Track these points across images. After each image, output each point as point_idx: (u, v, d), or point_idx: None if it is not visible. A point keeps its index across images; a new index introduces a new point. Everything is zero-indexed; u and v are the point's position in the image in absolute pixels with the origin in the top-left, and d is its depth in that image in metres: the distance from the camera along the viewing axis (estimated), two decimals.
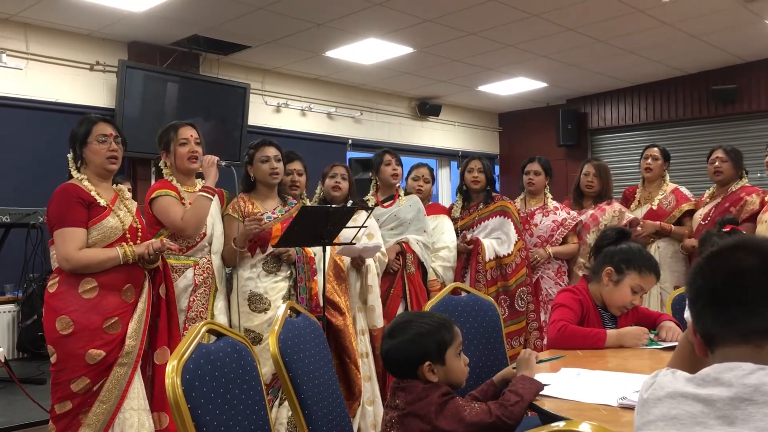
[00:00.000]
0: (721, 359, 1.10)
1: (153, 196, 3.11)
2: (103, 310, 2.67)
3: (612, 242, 2.75)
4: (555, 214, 4.39)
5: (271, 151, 3.41)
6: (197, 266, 3.14)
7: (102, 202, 2.73)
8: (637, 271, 2.59)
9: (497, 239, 4.22)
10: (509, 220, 4.24)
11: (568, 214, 4.39)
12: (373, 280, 3.76)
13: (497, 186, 4.63)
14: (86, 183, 2.74)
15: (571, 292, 2.73)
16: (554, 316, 2.61)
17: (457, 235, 4.33)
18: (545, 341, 3.93)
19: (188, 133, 3.19)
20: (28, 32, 5.60)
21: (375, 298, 3.75)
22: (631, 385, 1.83)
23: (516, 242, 4.21)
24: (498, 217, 4.27)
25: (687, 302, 1.22)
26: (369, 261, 3.75)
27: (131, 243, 2.79)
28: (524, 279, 4.22)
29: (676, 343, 2.40)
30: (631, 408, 1.61)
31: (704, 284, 1.16)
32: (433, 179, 4.49)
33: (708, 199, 4.31)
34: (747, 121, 7.58)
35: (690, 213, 4.35)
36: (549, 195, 4.49)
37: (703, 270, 1.17)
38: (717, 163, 4.24)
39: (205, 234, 3.17)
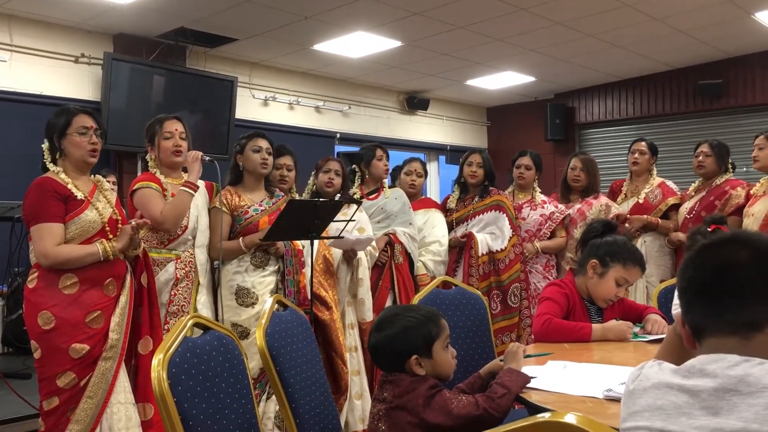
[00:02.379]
0: (708, 351, 1.11)
1: (134, 188, 3.10)
2: (85, 304, 2.64)
3: (598, 235, 2.76)
4: (543, 207, 4.40)
5: (264, 143, 3.42)
6: (179, 260, 3.12)
7: (79, 195, 2.69)
8: (622, 264, 2.61)
9: (491, 234, 4.22)
10: (504, 215, 4.25)
11: (556, 207, 4.40)
12: (364, 273, 3.76)
13: None
14: (63, 176, 2.70)
15: (557, 285, 2.74)
16: (540, 309, 2.62)
17: (451, 228, 4.34)
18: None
19: (173, 126, 3.17)
20: (12, 24, 5.53)
21: (365, 292, 3.76)
22: (617, 377, 1.84)
23: (510, 238, 4.21)
24: (493, 211, 4.27)
25: (677, 294, 1.23)
26: (360, 254, 3.74)
27: (111, 236, 2.75)
28: (518, 275, 4.21)
29: (661, 336, 2.43)
30: (616, 400, 1.62)
31: (695, 276, 1.17)
32: (426, 173, 4.49)
33: (693, 193, 4.34)
34: (733, 115, 7.63)
35: (676, 207, 4.37)
36: (537, 189, 4.51)
37: (695, 262, 1.18)
38: (701, 157, 4.28)
39: (186, 227, 3.15)
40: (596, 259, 2.64)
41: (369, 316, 3.74)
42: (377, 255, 3.90)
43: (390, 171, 4.43)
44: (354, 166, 4.22)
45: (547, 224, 4.35)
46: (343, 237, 3.42)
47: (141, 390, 2.83)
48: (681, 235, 4.15)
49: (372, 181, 4.18)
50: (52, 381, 2.60)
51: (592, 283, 2.66)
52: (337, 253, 3.70)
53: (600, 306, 2.70)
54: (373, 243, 3.84)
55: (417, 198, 4.39)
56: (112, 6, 5.30)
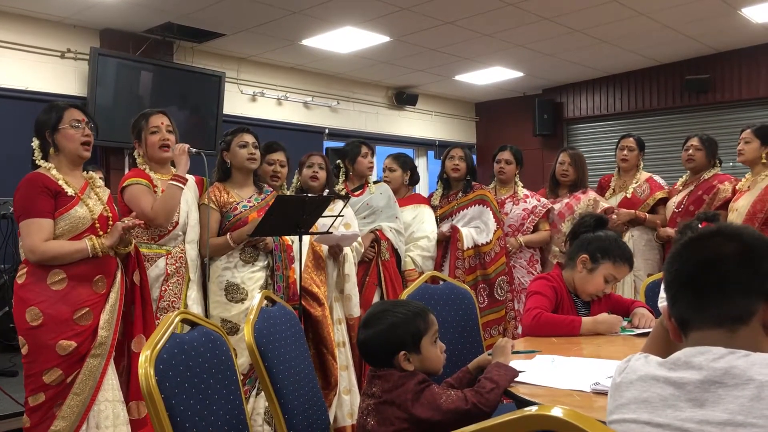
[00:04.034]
0: (694, 344, 1.12)
1: (124, 184, 3.09)
2: (73, 301, 2.63)
3: (589, 229, 2.77)
4: (525, 202, 4.42)
5: (249, 138, 3.42)
6: (170, 255, 3.11)
7: (70, 191, 2.68)
8: (612, 261, 2.63)
9: (476, 228, 4.24)
10: (488, 209, 4.27)
11: (539, 201, 4.41)
12: (350, 269, 3.76)
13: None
14: (54, 172, 2.69)
15: (545, 279, 2.75)
16: (529, 303, 2.62)
17: (437, 224, 4.35)
18: (519, 330, 3.97)
19: (159, 120, 3.16)
20: None
21: (352, 287, 3.76)
22: (605, 371, 1.85)
23: (495, 231, 4.23)
24: (477, 205, 4.30)
25: (663, 287, 1.23)
26: (346, 250, 3.74)
27: (101, 233, 2.74)
28: (503, 268, 4.24)
29: (649, 330, 2.44)
30: (603, 393, 1.62)
31: (681, 269, 1.17)
32: (403, 166, 4.42)
33: (681, 187, 4.36)
34: (720, 110, 7.67)
35: (663, 201, 4.40)
36: (519, 183, 4.52)
37: (681, 255, 1.19)
38: (691, 151, 4.30)
39: (177, 223, 3.14)
40: (587, 255, 2.65)
41: (356, 311, 3.75)
42: (362, 251, 3.90)
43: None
44: (339, 162, 4.21)
45: (530, 218, 4.36)
46: (331, 233, 3.42)
47: (134, 388, 2.81)
48: (670, 231, 4.18)
49: (356, 177, 4.18)
50: (38, 377, 2.59)
51: (580, 278, 2.68)
52: (325, 248, 3.70)
53: (585, 300, 2.72)
54: (359, 239, 3.84)
55: (406, 194, 4.40)
56: (99, 1, 5.26)
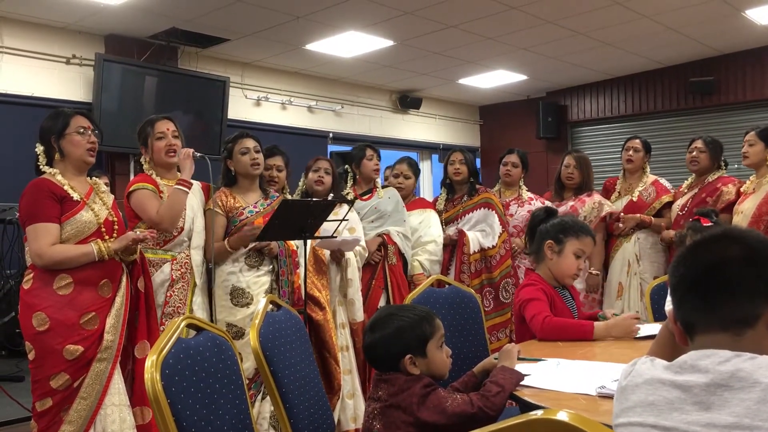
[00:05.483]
0: (700, 347, 1.12)
1: (131, 189, 3.11)
2: (79, 305, 2.64)
3: (542, 220, 2.85)
4: (530, 204, 4.44)
5: (250, 143, 3.40)
6: (175, 261, 3.13)
7: (75, 196, 2.70)
8: (575, 236, 2.71)
9: (482, 231, 4.25)
10: (493, 212, 4.27)
11: (543, 203, 4.42)
12: (353, 273, 3.76)
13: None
14: (59, 177, 2.71)
15: (531, 285, 2.73)
16: (531, 311, 2.58)
17: (443, 228, 4.36)
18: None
19: (165, 126, 3.17)
20: (3, 26, 5.50)
21: (355, 292, 3.76)
22: (610, 374, 1.85)
23: (500, 234, 4.24)
24: (482, 209, 4.30)
25: (669, 291, 1.23)
26: (349, 254, 3.74)
27: (107, 237, 2.76)
28: (508, 270, 4.26)
29: (656, 332, 2.44)
30: (609, 397, 1.62)
31: (686, 272, 1.17)
32: (416, 173, 4.46)
33: (686, 190, 4.35)
34: (724, 112, 7.65)
35: (670, 205, 4.38)
36: (524, 187, 4.55)
37: (686, 258, 1.18)
38: (694, 153, 4.28)
39: (182, 228, 3.15)
40: (551, 240, 2.72)
41: (359, 316, 3.75)
42: (367, 255, 3.90)
43: (383, 170, 4.42)
44: (346, 166, 4.22)
45: None
46: (336, 237, 3.42)
47: (138, 393, 2.83)
48: (673, 233, 4.16)
49: (363, 181, 4.19)
50: (45, 382, 2.60)
51: (552, 264, 2.73)
52: (327, 252, 3.71)
53: (567, 284, 2.78)
54: (363, 243, 3.84)
55: (411, 199, 4.40)
56: (103, 7, 5.28)
